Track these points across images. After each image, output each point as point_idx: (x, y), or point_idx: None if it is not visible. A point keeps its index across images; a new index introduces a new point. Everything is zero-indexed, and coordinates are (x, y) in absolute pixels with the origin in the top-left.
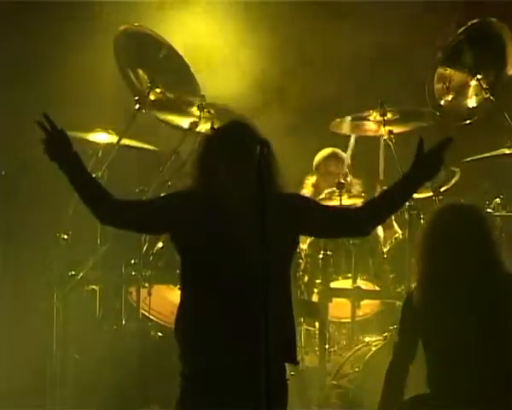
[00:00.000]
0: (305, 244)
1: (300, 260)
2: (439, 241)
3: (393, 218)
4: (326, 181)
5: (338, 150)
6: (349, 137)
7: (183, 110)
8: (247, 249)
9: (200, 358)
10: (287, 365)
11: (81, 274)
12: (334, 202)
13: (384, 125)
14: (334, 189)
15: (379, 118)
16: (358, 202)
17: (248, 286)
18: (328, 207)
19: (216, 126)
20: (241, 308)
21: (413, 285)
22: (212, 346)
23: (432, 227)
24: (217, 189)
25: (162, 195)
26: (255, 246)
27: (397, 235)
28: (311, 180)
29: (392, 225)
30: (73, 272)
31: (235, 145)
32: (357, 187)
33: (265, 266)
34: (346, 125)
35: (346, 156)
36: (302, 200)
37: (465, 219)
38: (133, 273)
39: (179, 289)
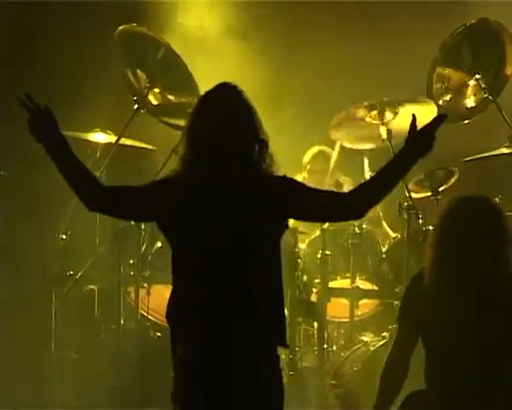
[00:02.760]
0: (303, 244)
1: (299, 260)
2: (453, 232)
3: (382, 216)
4: (314, 179)
5: (325, 148)
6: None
7: (182, 111)
8: (233, 233)
9: (187, 343)
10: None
11: (80, 274)
12: None
13: (382, 124)
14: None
15: (375, 121)
16: None
17: (235, 271)
18: (319, 189)
19: None
20: (228, 292)
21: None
22: (199, 331)
23: (447, 217)
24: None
25: (150, 181)
26: (241, 230)
27: (395, 235)
28: (299, 178)
29: (381, 224)
30: (72, 272)
31: (214, 105)
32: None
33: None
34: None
35: (334, 153)
36: (291, 182)
37: (483, 213)
38: (132, 273)
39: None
